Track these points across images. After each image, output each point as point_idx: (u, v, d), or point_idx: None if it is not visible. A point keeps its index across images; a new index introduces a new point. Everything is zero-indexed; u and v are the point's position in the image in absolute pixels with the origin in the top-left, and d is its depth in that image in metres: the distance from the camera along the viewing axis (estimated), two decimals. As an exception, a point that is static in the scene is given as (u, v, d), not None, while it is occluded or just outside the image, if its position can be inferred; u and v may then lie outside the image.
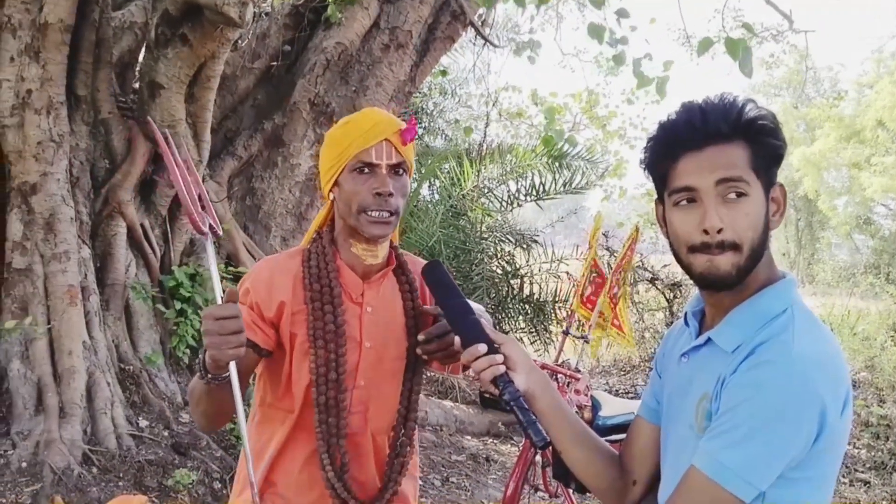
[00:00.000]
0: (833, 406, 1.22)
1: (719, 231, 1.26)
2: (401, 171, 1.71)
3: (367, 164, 1.67)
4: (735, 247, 1.27)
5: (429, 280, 1.64)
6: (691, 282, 1.41)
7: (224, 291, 1.53)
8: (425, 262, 1.87)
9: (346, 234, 1.75)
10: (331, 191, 1.74)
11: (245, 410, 1.63)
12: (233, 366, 1.56)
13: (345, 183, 1.69)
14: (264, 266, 1.78)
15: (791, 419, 1.19)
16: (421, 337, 1.67)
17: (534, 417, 1.41)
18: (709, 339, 1.35)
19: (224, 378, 1.55)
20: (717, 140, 1.28)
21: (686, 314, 1.46)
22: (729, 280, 1.29)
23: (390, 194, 1.66)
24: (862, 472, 5.85)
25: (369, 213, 1.67)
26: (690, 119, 1.30)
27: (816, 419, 1.20)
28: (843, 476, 5.72)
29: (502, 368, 1.43)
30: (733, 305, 1.33)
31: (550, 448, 1.49)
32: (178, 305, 4.86)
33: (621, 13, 5.35)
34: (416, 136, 1.73)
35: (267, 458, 1.74)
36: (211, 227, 1.60)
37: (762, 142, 1.28)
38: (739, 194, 1.27)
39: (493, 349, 1.45)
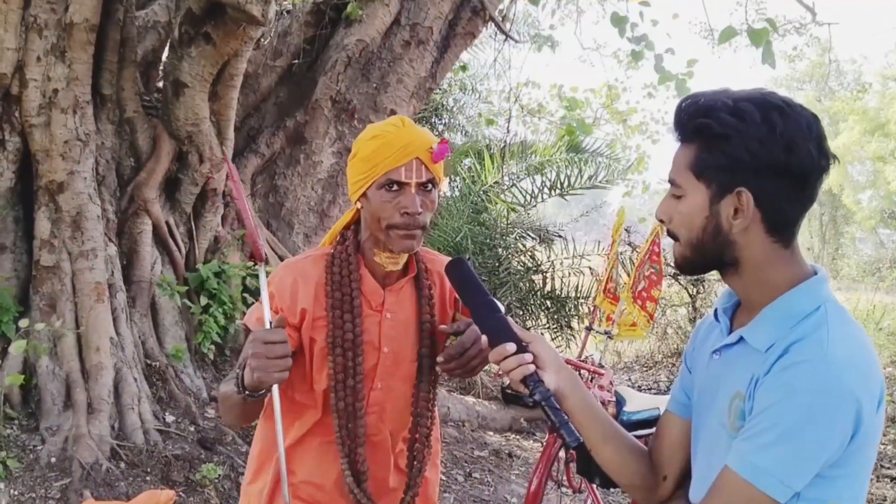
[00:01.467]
0: (868, 404, 1.21)
1: (664, 222, 1.38)
2: (429, 186, 1.70)
3: (397, 181, 1.65)
4: (677, 238, 1.37)
5: (453, 278, 1.64)
6: (715, 277, 1.43)
7: (274, 316, 1.59)
8: (448, 258, 1.87)
9: (371, 242, 1.75)
10: (358, 199, 1.74)
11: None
12: (275, 388, 1.61)
13: (373, 197, 1.67)
14: (287, 272, 1.78)
15: (826, 420, 1.19)
16: (440, 359, 1.69)
17: (566, 417, 1.40)
18: (741, 338, 1.34)
19: (260, 395, 1.61)
20: (681, 139, 1.35)
21: (716, 310, 1.46)
22: (679, 265, 1.41)
23: (419, 213, 1.66)
24: (888, 467, 5.79)
25: (398, 230, 1.67)
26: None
27: (852, 419, 1.20)
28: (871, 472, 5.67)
29: (532, 368, 1.42)
30: (765, 303, 1.32)
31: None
32: (203, 301, 4.91)
33: (644, 3, 5.34)
34: (446, 154, 1.71)
35: (285, 447, 1.76)
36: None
37: (710, 146, 1.29)
38: (675, 195, 1.35)
39: (521, 348, 1.44)
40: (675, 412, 1.51)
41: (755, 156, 1.25)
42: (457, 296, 1.78)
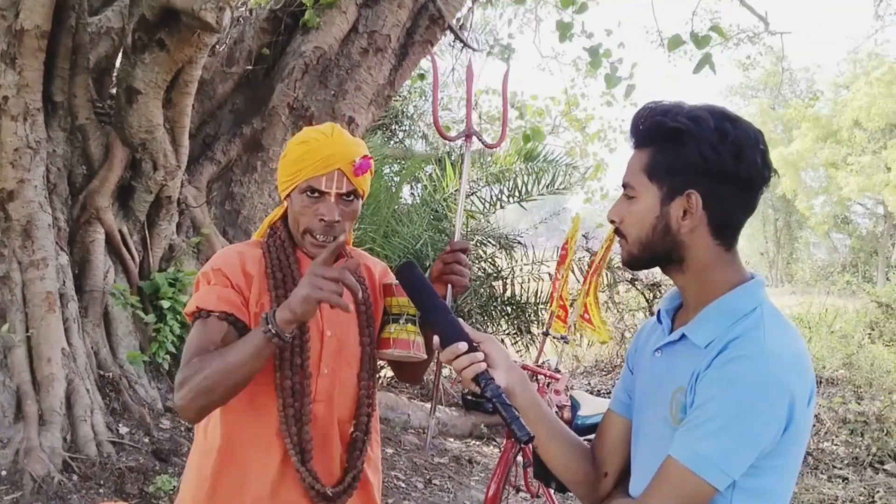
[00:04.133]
0: (801, 398, 1.29)
1: (615, 223, 1.45)
2: (351, 197, 1.76)
3: (318, 189, 1.73)
4: (624, 237, 1.44)
5: (404, 281, 1.65)
6: (670, 283, 1.49)
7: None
8: (373, 257, 1.96)
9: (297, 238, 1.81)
10: (285, 198, 1.81)
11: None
12: None
13: (295, 201, 1.76)
14: (232, 251, 1.83)
15: (763, 411, 1.26)
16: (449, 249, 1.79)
17: (517, 413, 1.43)
18: (683, 335, 1.40)
19: (287, 339, 1.56)
20: (636, 144, 1.43)
21: (659, 311, 1.52)
22: (626, 262, 1.48)
23: (336, 222, 1.73)
24: (840, 468, 5.92)
25: (314, 235, 1.74)
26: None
27: (786, 411, 1.27)
28: (822, 472, 5.79)
29: (483, 366, 1.46)
30: (706, 302, 1.39)
31: (532, 448, 1.52)
32: (157, 311, 4.84)
33: (581, 9, 5.46)
34: (368, 170, 1.78)
35: (224, 443, 1.74)
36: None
37: (665, 149, 1.37)
38: (628, 196, 1.42)
39: (472, 348, 1.48)
40: (617, 411, 1.56)
41: (706, 159, 1.32)
42: (385, 284, 1.83)
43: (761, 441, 1.27)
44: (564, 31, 5.27)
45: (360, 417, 1.82)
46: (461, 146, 1.98)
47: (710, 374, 1.30)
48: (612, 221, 1.46)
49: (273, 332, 1.54)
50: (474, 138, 1.88)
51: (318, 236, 1.74)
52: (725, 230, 1.38)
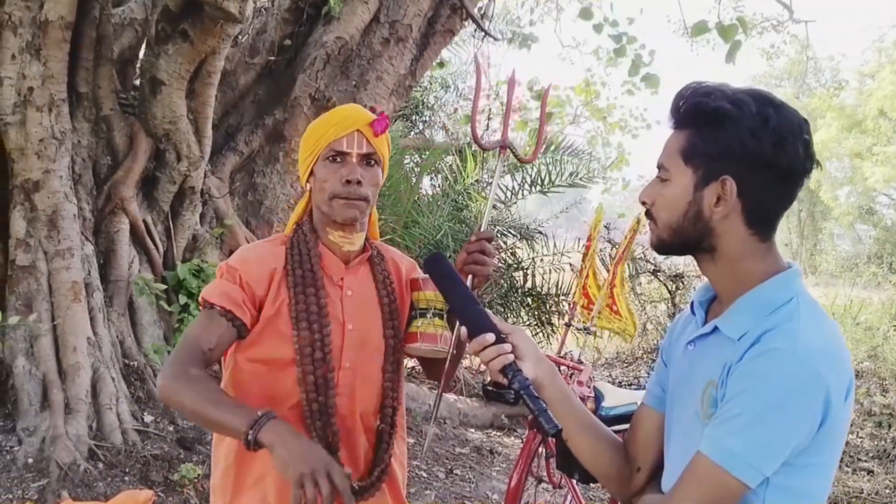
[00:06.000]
0: (837, 393, 1.24)
1: (646, 204, 1.41)
2: (372, 161, 1.78)
3: (339, 152, 1.75)
4: (654, 220, 1.40)
5: (432, 273, 1.65)
6: (694, 273, 1.45)
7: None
8: (400, 252, 1.97)
9: (323, 222, 1.82)
10: (307, 181, 1.82)
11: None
12: None
13: (318, 171, 1.78)
14: (252, 249, 1.85)
15: (796, 406, 1.21)
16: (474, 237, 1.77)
17: (544, 405, 1.42)
18: (715, 328, 1.36)
19: (249, 445, 1.51)
20: (674, 125, 1.38)
21: (693, 303, 1.49)
22: (655, 247, 1.44)
23: (359, 182, 1.74)
24: (865, 461, 5.86)
25: (341, 197, 1.75)
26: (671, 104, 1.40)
27: (821, 406, 1.22)
28: (847, 465, 5.74)
29: (511, 357, 1.44)
30: (739, 294, 1.35)
31: (554, 439, 1.50)
32: (181, 301, 4.88)
33: None
34: (387, 129, 1.80)
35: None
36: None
37: (703, 132, 1.32)
38: (662, 179, 1.38)
39: (500, 339, 1.47)
40: (651, 405, 1.53)
41: (745, 145, 1.28)
42: (413, 279, 1.84)
43: (794, 437, 1.22)
44: (588, 17, 5.25)
45: (385, 410, 1.82)
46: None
47: (742, 368, 1.26)
48: (643, 203, 1.42)
49: (251, 436, 1.47)
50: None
51: (343, 200, 1.75)
52: (761, 220, 1.33)
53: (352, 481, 1.68)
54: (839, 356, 1.27)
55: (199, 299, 1.76)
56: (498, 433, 6.33)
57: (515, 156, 1.90)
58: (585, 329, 4.14)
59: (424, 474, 5.08)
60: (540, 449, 3.89)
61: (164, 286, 4.91)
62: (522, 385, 1.42)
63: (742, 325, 1.31)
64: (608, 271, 4.44)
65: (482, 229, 1.79)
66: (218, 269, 1.79)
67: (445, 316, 1.79)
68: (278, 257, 1.79)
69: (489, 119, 9.88)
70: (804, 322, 1.27)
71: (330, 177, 1.75)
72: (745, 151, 1.28)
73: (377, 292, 1.83)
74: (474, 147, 8.25)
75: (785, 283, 1.33)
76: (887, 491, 5.27)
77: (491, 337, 1.46)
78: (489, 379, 4.48)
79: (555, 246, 8.00)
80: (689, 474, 1.29)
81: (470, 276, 1.76)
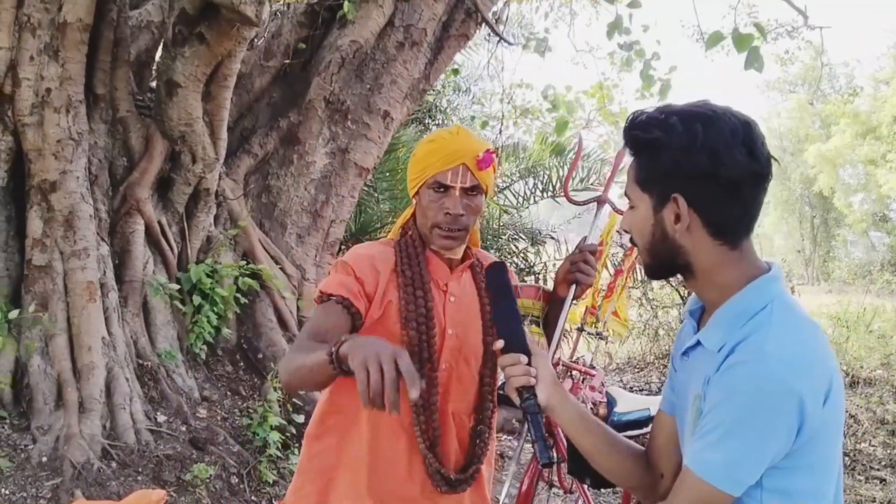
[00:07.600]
0: (812, 398, 1.25)
1: (628, 232, 1.47)
2: (475, 192, 1.85)
3: (443, 184, 1.82)
4: (637, 246, 1.46)
5: (494, 278, 1.75)
6: None
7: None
8: (493, 258, 2.04)
9: (425, 234, 1.91)
10: (414, 196, 1.90)
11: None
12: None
13: (423, 196, 1.87)
14: (364, 247, 1.93)
15: (765, 417, 1.24)
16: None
17: (544, 434, 1.51)
18: (698, 341, 1.40)
19: (334, 364, 1.52)
20: (630, 154, 1.45)
21: (686, 314, 1.52)
22: (645, 272, 1.50)
23: (461, 215, 1.81)
24: (878, 469, 5.82)
25: (441, 228, 1.83)
26: None
27: (795, 414, 1.24)
28: (859, 473, 5.70)
29: (533, 381, 1.52)
30: (720, 304, 1.38)
31: (565, 443, 1.56)
32: (195, 302, 4.90)
33: (633, 4, 5.41)
34: (491, 164, 1.86)
35: (362, 436, 1.82)
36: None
37: (643, 160, 1.39)
38: (630, 207, 1.45)
39: (529, 360, 1.56)
40: (666, 411, 1.56)
41: (680, 165, 1.32)
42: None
43: (769, 447, 1.25)
44: (614, 28, 5.26)
45: (484, 412, 1.91)
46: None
47: (717, 380, 1.30)
48: (625, 231, 1.49)
49: (333, 354, 1.48)
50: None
51: (444, 231, 1.83)
52: (722, 229, 1.36)
53: (449, 471, 1.81)
54: (810, 361, 1.28)
55: (315, 295, 1.83)
56: (509, 437, 6.32)
57: (613, 207, 2.11)
58: (599, 334, 4.13)
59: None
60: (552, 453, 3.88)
61: (178, 287, 4.94)
62: (531, 409, 1.51)
63: (720, 336, 1.34)
64: (623, 275, 4.43)
65: (589, 238, 1.93)
66: (331, 268, 1.86)
67: (542, 323, 1.89)
68: (388, 258, 1.86)
69: (501, 123, 9.88)
70: (774, 331, 1.28)
71: (432, 205, 1.84)
72: (681, 170, 1.33)
73: (479, 299, 1.92)
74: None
75: (761, 289, 1.35)
76: (900, 500, 5.23)
77: (524, 359, 1.54)
78: (500, 382, 4.48)
79: (566, 250, 8.00)
80: (677, 488, 1.34)
81: (573, 286, 1.90)
